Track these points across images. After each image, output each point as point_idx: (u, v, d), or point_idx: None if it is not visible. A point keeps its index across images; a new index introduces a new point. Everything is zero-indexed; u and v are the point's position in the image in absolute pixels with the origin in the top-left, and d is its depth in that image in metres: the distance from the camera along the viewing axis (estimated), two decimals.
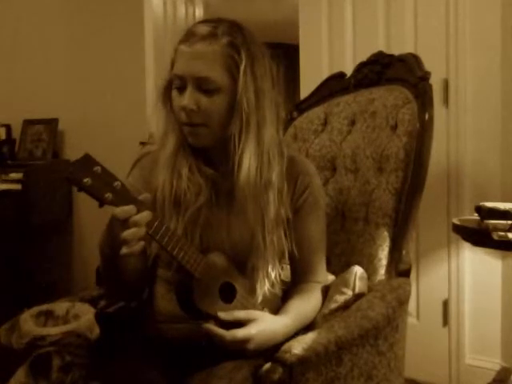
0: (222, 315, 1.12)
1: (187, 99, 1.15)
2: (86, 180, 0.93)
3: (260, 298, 1.20)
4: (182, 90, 1.17)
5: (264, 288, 1.20)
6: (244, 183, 1.16)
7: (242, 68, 1.15)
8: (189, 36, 1.17)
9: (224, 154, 1.21)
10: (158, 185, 1.18)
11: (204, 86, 1.14)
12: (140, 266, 1.16)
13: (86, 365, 1.24)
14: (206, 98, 1.15)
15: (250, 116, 1.16)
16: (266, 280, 1.20)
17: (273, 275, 1.22)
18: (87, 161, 0.95)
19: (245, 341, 1.10)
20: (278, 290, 1.28)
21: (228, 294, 1.17)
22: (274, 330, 1.15)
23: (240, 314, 1.14)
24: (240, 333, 1.10)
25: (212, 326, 1.10)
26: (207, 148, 1.22)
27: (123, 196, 0.98)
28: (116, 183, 0.97)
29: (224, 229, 1.22)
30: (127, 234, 0.98)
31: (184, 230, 1.17)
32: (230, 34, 1.16)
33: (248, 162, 1.16)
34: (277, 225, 1.22)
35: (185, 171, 1.18)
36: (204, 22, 1.22)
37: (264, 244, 1.19)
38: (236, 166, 1.17)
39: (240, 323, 1.12)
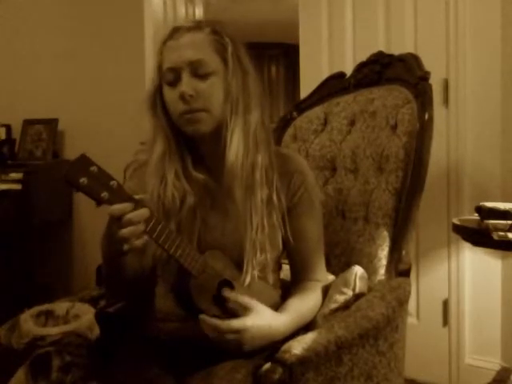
0: (227, 293, 1.13)
1: (184, 85, 1.16)
2: (82, 180, 0.94)
3: (247, 281, 1.18)
4: (175, 82, 1.18)
5: (252, 272, 1.19)
6: (232, 163, 1.18)
7: (229, 50, 1.19)
8: (173, 33, 1.20)
9: (218, 143, 1.21)
10: (148, 193, 1.18)
11: (199, 71, 1.17)
12: (139, 264, 1.17)
13: (86, 365, 1.24)
14: (202, 82, 1.17)
15: (239, 98, 1.19)
16: (254, 263, 1.19)
17: (261, 257, 1.20)
18: (84, 161, 0.95)
19: (239, 331, 1.10)
20: (273, 283, 1.28)
21: (225, 293, 1.17)
22: (270, 324, 1.15)
23: (244, 299, 1.14)
24: (235, 322, 1.11)
25: (207, 317, 1.10)
26: (204, 138, 1.21)
27: (119, 195, 0.98)
28: (112, 182, 0.98)
29: (219, 229, 1.23)
30: (125, 231, 0.98)
31: (180, 232, 1.17)
32: (211, 24, 1.22)
33: (236, 143, 1.18)
34: (267, 209, 1.21)
35: (171, 177, 1.19)
36: (186, 22, 1.25)
37: (251, 224, 1.19)
38: (226, 147, 1.18)
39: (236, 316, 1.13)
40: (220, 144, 1.20)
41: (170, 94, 1.19)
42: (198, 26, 1.21)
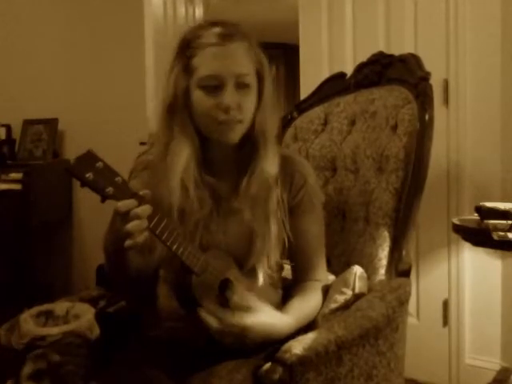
0: (235, 298, 1.15)
1: (229, 98, 1.16)
2: (88, 175, 0.95)
3: (261, 281, 1.22)
4: (215, 90, 1.16)
5: (264, 270, 1.23)
6: (267, 173, 1.22)
7: (266, 68, 1.23)
8: (206, 34, 1.18)
9: (235, 150, 1.23)
10: (164, 195, 1.18)
11: (241, 83, 1.18)
12: (142, 262, 1.17)
13: (85, 365, 1.24)
14: (241, 95, 1.18)
15: (271, 111, 1.23)
16: (266, 263, 1.23)
17: (273, 259, 1.24)
18: (90, 156, 0.96)
19: (246, 326, 1.11)
20: (275, 283, 1.29)
21: (227, 291, 1.17)
22: (275, 324, 1.16)
23: (250, 301, 1.16)
24: (243, 319, 1.11)
25: (216, 307, 1.12)
26: (227, 145, 1.23)
27: (124, 191, 1.00)
28: (117, 178, 0.99)
29: (221, 231, 1.24)
30: (131, 225, 0.99)
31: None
32: (248, 36, 1.22)
33: (272, 155, 1.23)
34: (277, 212, 1.25)
35: (192, 185, 1.20)
36: (215, 24, 1.21)
37: (267, 228, 1.22)
38: (261, 157, 1.22)
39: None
40: (237, 151, 1.23)
41: (205, 101, 1.17)
42: (239, 34, 1.19)
